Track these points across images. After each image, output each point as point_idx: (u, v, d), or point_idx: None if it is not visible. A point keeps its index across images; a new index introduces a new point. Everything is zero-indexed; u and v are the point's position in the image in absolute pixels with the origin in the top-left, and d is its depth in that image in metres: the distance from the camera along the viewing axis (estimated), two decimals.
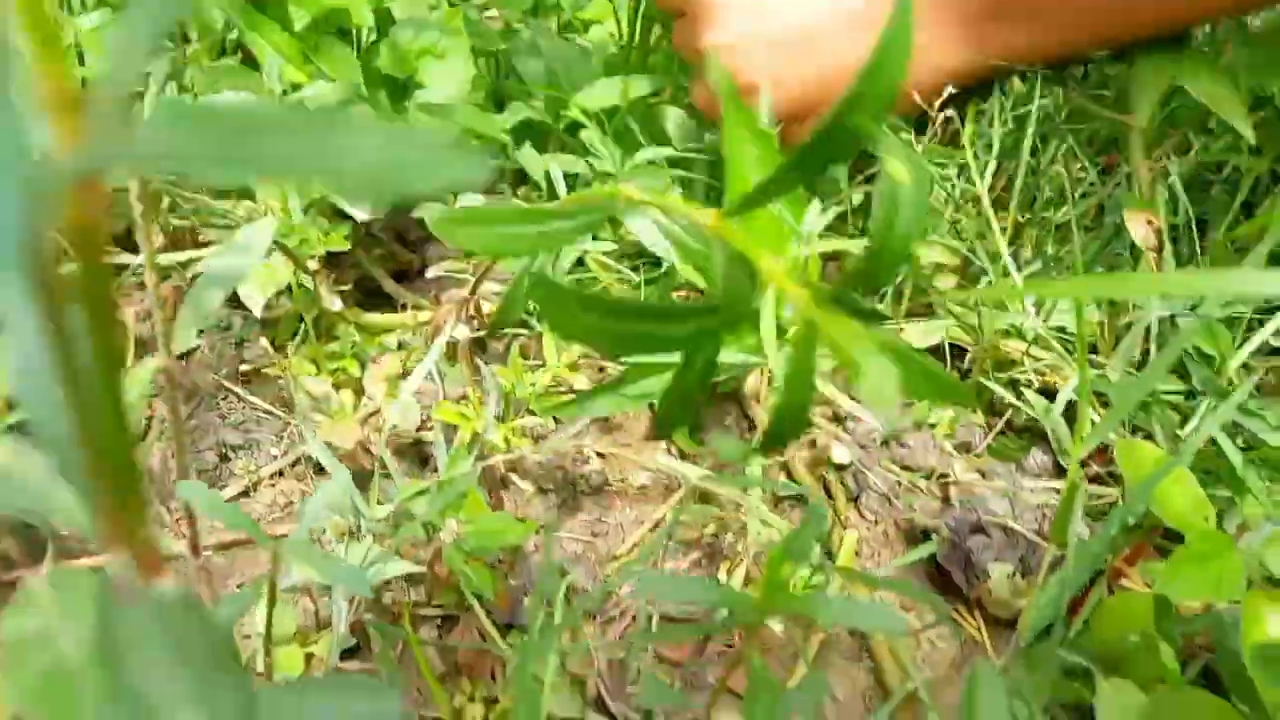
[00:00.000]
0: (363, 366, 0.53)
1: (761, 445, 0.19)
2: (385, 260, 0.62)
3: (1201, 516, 0.37)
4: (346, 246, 0.49)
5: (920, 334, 0.54)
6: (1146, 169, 0.55)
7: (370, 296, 0.60)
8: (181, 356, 0.56)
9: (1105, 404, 0.51)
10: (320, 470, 0.50)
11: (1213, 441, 0.45)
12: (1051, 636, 0.39)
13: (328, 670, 0.38)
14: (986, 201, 0.48)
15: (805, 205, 0.38)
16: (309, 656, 0.40)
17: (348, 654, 0.41)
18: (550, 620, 0.38)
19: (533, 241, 0.25)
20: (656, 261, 0.57)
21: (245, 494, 0.49)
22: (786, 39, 0.55)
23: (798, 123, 0.57)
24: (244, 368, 0.56)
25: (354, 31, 0.60)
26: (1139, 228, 0.51)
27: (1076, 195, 0.56)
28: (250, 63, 0.56)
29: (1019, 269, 0.56)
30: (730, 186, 0.39)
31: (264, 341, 0.56)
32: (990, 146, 0.57)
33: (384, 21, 0.64)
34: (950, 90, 0.52)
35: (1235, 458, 0.44)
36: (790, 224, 0.37)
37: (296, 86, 0.52)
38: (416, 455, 0.50)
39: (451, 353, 0.49)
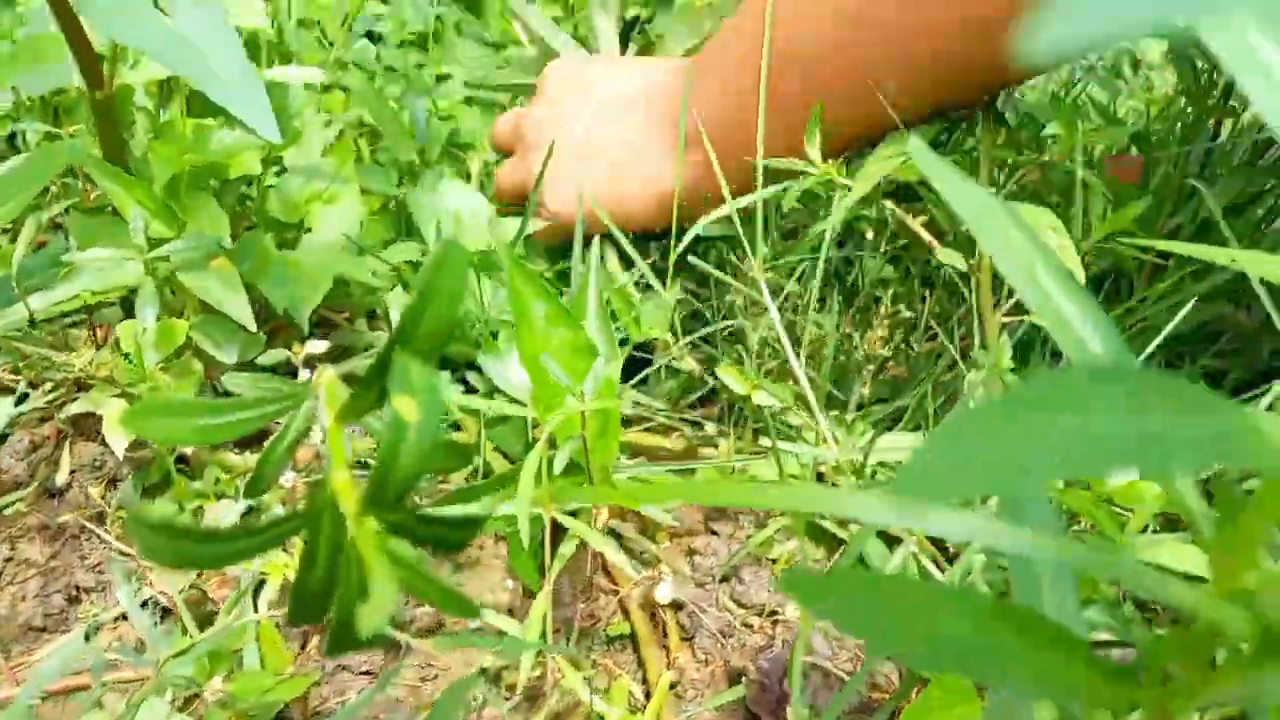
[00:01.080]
0: (218, 502, 0.55)
1: (328, 649, 0.21)
2: None
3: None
4: (191, 393, 0.51)
5: (764, 469, 0.56)
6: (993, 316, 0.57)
7: (251, 437, 0.62)
8: (53, 495, 0.58)
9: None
10: (168, 613, 0.52)
11: None
12: None
13: None
14: (803, 378, 0.49)
15: (589, 360, 0.40)
16: None
17: None
18: None
19: (216, 432, 0.27)
20: None
21: (86, 638, 0.50)
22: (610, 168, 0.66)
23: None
24: (113, 508, 0.57)
25: (237, 181, 0.63)
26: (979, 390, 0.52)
27: (916, 342, 0.58)
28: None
29: (861, 406, 0.58)
30: (520, 345, 0.41)
31: (131, 482, 0.58)
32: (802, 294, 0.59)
33: (275, 165, 0.68)
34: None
35: None
36: (566, 383, 0.38)
37: (163, 240, 0.55)
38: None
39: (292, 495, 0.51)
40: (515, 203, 0.70)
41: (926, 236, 0.47)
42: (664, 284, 0.58)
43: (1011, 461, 0.11)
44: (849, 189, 0.49)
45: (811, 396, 0.50)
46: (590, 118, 0.67)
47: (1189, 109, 0.67)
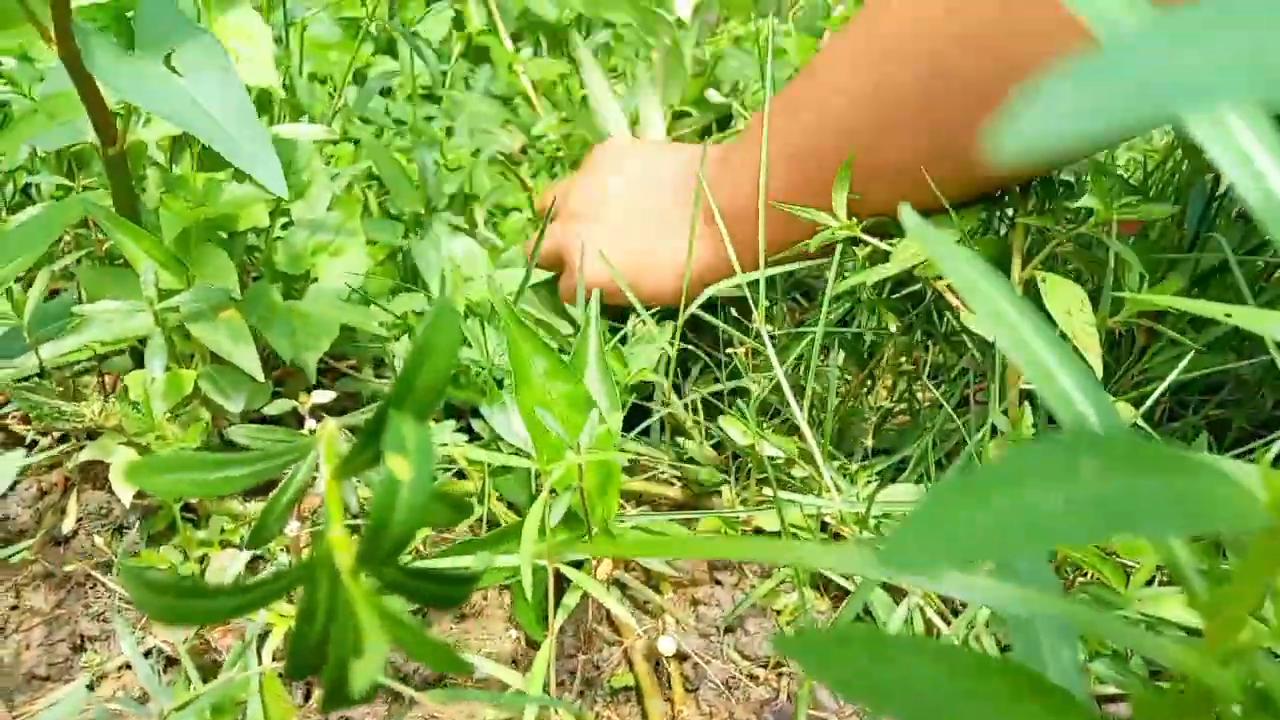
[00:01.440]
0: (223, 550, 0.55)
1: (323, 707, 0.21)
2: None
3: None
4: (197, 443, 0.51)
5: (767, 519, 0.56)
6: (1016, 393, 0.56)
7: (258, 486, 0.62)
8: (59, 543, 0.59)
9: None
10: (172, 663, 0.52)
11: None
12: None
13: None
14: (806, 430, 0.50)
15: (584, 412, 0.41)
16: None
17: None
18: None
19: (221, 485, 0.27)
20: None
21: (89, 688, 0.50)
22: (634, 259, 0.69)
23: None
24: (118, 555, 0.57)
25: (245, 233, 0.64)
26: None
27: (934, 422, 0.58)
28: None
29: (865, 457, 0.58)
30: (519, 399, 0.41)
31: (139, 531, 0.58)
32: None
33: (283, 215, 0.69)
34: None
35: None
36: (563, 436, 0.39)
37: (173, 291, 0.55)
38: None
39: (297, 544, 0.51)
40: (550, 267, 0.74)
41: (956, 301, 0.48)
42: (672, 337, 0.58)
43: (990, 536, 0.12)
44: (865, 244, 0.49)
45: (815, 448, 0.50)
46: (629, 196, 0.72)
47: (1186, 162, 0.68)
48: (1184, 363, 0.47)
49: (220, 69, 0.44)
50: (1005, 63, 0.47)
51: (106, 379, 0.67)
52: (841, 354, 0.59)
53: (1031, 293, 0.51)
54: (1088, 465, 0.14)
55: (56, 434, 0.62)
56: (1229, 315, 0.35)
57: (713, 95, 0.94)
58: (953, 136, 0.51)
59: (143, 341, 0.55)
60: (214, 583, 0.28)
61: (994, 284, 0.20)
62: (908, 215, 0.25)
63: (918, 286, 0.62)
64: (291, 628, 0.45)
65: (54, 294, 0.64)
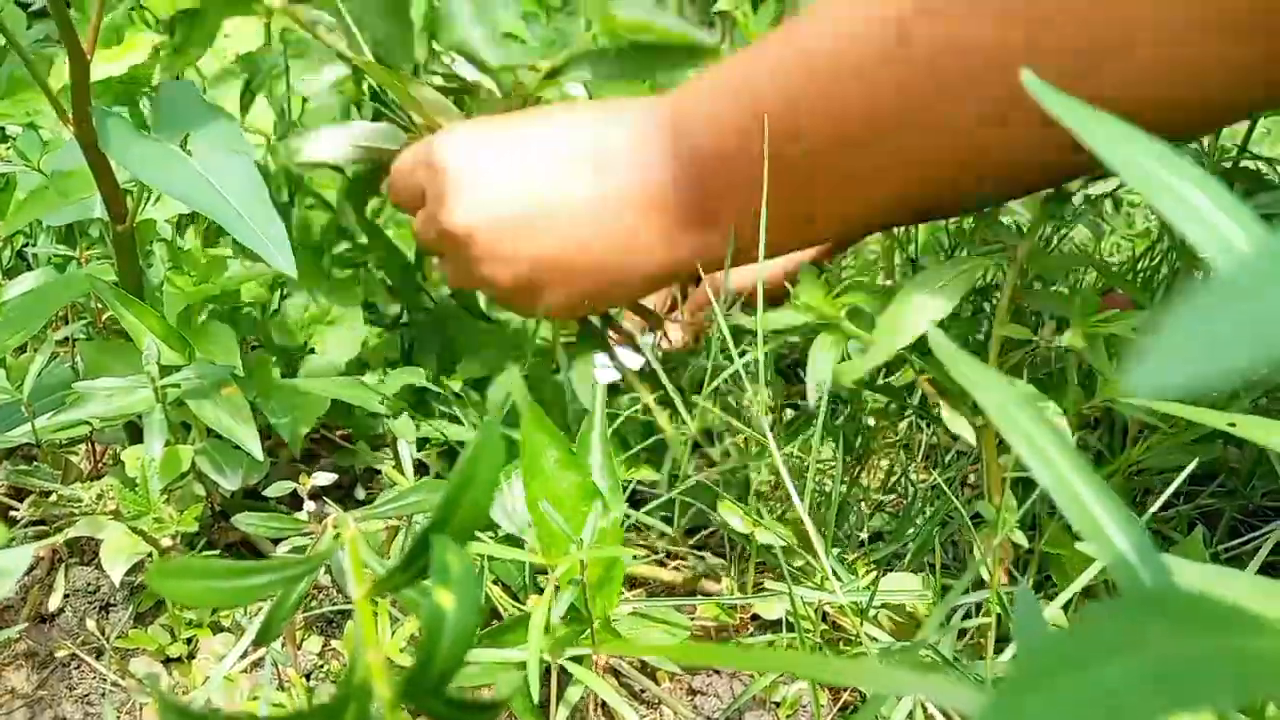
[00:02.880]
0: (215, 635, 0.54)
1: None
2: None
3: None
4: (194, 528, 0.51)
5: (766, 607, 0.56)
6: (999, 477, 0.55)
7: (249, 559, 0.62)
8: (44, 620, 0.57)
9: None
10: None
11: None
12: None
13: None
14: (809, 522, 0.50)
15: (589, 503, 0.41)
16: None
17: None
18: None
19: (241, 594, 0.27)
20: None
21: None
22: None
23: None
24: (106, 634, 0.56)
25: (247, 306, 0.64)
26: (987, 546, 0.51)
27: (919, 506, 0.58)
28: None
29: (862, 544, 0.58)
30: (529, 489, 0.41)
31: (126, 609, 0.57)
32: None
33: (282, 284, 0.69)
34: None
35: None
36: (566, 531, 0.39)
37: (174, 368, 0.55)
38: None
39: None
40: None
41: (943, 407, 0.48)
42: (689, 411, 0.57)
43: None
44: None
45: (816, 538, 0.50)
46: (525, 210, 0.54)
47: (1172, 250, 0.70)
48: (1183, 476, 0.47)
49: (235, 150, 0.45)
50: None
51: (96, 447, 0.66)
52: (833, 444, 0.59)
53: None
54: (1154, 632, 0.15)
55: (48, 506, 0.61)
56: (1233, 425, 0.36)
57: None
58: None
59: (139, 416, 0.55)
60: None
61: (1031, 418, 0.21)
62: (934, 334, 0.25)
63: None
64: None
65: (51, 357, 0.63)
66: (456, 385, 0.65)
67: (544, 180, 0.54)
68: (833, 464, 0.57)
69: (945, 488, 0.55)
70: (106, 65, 0.53)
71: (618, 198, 0.54)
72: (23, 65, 0.46)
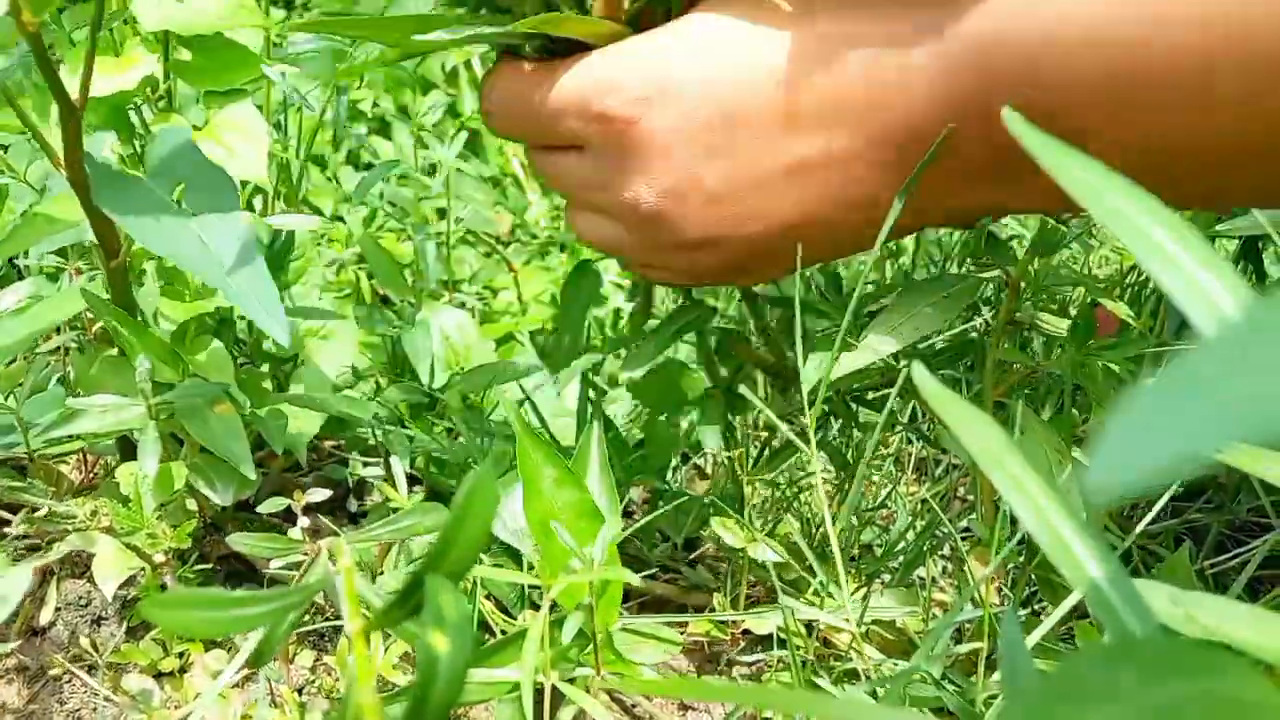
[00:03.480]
0: (207, 652, 0.54)
1: None
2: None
3: None
4: (187, 544, 0.51)
5: (757, 623, 0.56)
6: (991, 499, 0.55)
7: (243, 576, 0.62)
8: (36, 633, 0.57)
9: None
10: None
11: None
12: None
13: None
14: (802, 542, 0.50)
15: (595, 523, 0.41)
16: None
17: None
18: None
19: (235, 624, 0.27)
20: None
21: None
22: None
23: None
24: (98, 649, 0.56)
25: (237, 320, 0.64)
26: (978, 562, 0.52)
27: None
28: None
29: (853, 559, 0.58)
30: (528, 508, 0.41)
31: (118, 623, 0.57)
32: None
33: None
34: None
35: None
36: (573, 547, 0.39)
37: (169, 385, 0.55)
38: None
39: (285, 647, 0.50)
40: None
41: (940, 423, 0.48)
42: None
43: None
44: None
45: (811, 556, 0.50)
46: (723, 167, 0.43)
47: None
48: (1170, 491, 0.48)
49: (229, 208, 0.44)
50: None
51: (88, 458, 0.66)
52: (824, 456, 0.59)
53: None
54: (1129, 680, 0.15)
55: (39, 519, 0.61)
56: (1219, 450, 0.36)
57: None
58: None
59: (132, 431, 0.55)
60: None
61: (1018, 462, 0.21)
62: (919, 372, 0.26)
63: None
64: None
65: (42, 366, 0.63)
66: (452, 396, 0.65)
67: (816, 155, 0.42)
68: (830, 479, 0.58)
69: (935, 504, 0.55)
70: (106, 79, 0.53)
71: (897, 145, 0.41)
72: (16, 75, 0.46)
